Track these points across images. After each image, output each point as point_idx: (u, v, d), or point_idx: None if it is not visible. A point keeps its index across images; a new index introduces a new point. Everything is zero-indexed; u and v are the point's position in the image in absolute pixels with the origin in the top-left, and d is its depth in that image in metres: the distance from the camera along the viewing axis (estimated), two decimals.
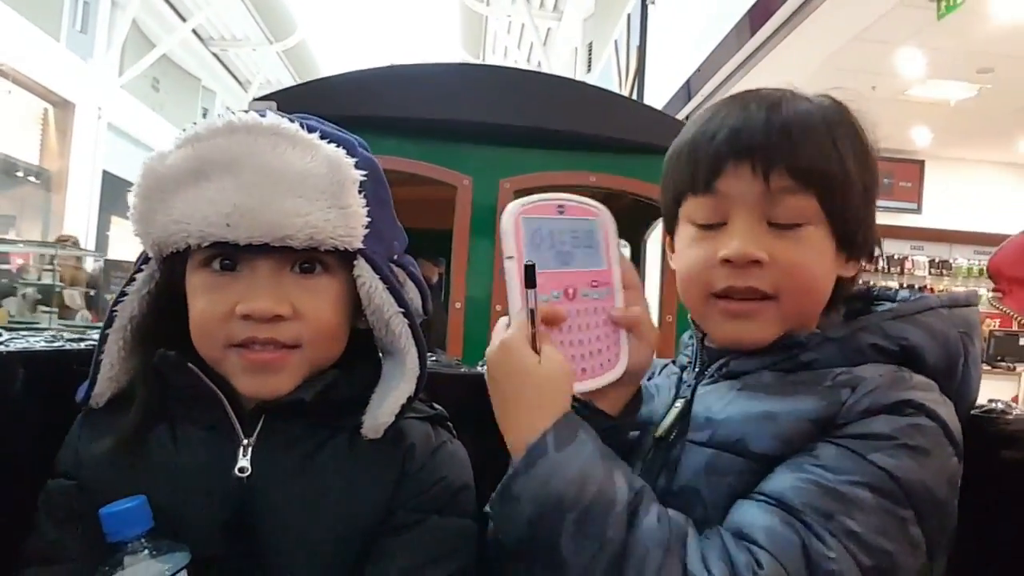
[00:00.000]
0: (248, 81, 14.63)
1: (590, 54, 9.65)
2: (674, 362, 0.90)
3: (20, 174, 9.00)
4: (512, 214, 0.72)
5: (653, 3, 6.48)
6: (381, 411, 0.77)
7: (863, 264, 0.79)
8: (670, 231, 0.83)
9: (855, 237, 0.76)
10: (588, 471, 0.64)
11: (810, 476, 0.64)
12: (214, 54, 13.24)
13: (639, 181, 1.78)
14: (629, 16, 7.34)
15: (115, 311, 0.79)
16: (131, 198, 0.75)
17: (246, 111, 0.76)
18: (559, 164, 1.78)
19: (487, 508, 0.70)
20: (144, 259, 0.80)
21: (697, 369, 0.81)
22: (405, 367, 0.79)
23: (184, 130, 0.75)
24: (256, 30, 12.41)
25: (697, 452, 0.73)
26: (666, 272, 1.69)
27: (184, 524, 0.73)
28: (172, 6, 11.02)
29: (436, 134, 1.72)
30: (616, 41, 7.90)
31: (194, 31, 11.81)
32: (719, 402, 0.74)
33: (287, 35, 12.98)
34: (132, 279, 0.80)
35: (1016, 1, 4.27)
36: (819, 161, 0.72)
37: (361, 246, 0.76)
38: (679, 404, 0.79)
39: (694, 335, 0.84)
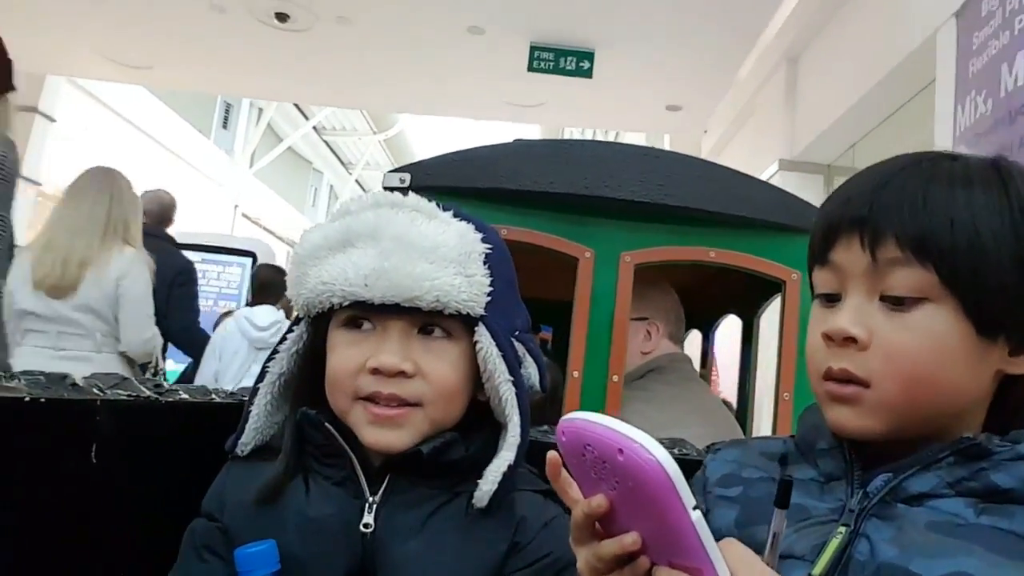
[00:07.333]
0: (351, 163, 17.08)
1: None
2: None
3: None
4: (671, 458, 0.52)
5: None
6: (485, 480, 0.81)
7: None
8: None
9: (1005, 319, 0.63)
10: None
11: None
12: (325, 142, 15.87)
13: (755, 257, 1.77)
14: None
15: (267, 367, 0.89)
16: (288, 265, 0.86)
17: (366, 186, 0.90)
18: (679, 239, 1.79)
19: None
20: (295, 321, 0.89)
21: (859, 489, 0.66)
22: (508, 435, 0.82)
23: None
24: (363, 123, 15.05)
25: None
26: (783, 347, 1.67)
27: (309, 573, 0.78)
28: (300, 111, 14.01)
29: (560, 207, 1.77)
30: None
31: (314, 127, 14.83)
32: (913, 545, 0.60)
33: (389, 127, 15.54)
34: (284, 339, 0.89)
35: None
36: (936, 227, 0.62)
37: (483, 313, 0.82)
38: (841, 532, 0.63)
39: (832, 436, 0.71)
